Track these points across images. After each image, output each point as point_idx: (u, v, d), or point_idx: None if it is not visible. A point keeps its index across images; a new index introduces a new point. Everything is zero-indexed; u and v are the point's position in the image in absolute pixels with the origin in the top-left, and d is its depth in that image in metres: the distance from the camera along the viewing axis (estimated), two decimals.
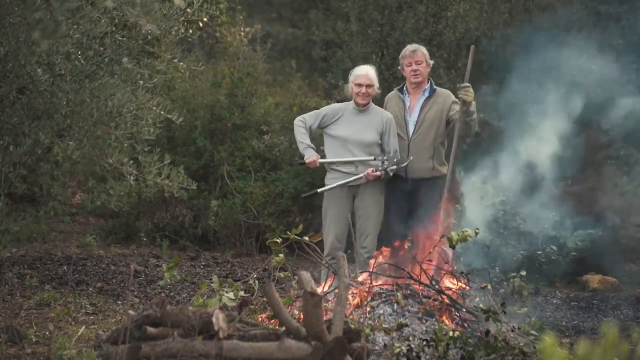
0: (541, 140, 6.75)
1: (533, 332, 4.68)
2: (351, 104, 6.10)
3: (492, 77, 8.63)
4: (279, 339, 3.59)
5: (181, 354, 3.54)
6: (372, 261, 5.18)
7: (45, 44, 4.08)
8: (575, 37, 7.69)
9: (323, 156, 6.18)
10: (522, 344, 4.38)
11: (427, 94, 6.15)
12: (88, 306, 5.87)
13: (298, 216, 8.35)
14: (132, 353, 3.61)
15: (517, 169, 6.62)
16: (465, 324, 4.66)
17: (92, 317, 5.61)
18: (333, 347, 3.57)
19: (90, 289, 6.39)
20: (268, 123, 8.58)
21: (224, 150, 8.49)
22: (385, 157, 5.92)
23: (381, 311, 4.68)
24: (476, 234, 5.06)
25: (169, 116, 4.77)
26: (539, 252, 7.41)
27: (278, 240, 4.99)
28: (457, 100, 6.06)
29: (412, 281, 4.90)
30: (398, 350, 4.25)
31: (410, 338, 4.44)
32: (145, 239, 8.33)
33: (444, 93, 6.19)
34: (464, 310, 4.78)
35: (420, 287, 4.88)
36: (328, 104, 8.77)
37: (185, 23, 4.90)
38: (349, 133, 6.01)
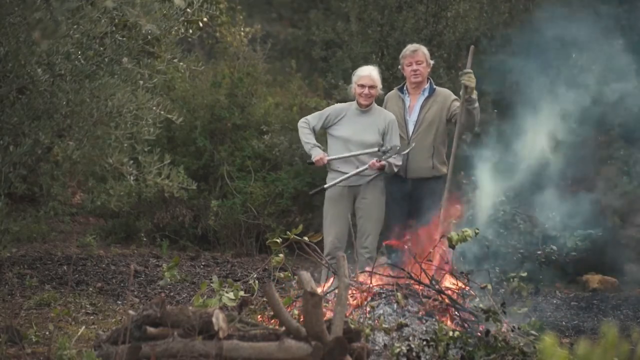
0: (541, 140, 6.75)
1: (533, 332, 4.68)
2: (354, 104, 6.11)
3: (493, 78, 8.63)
4: (279, 339, 3.59)
5: (181, 354, 3.54)
6: (379, 260, 5.18)
7: (45, 44, 4.08)
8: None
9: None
10: (522, 344, 4.38)
11: (426, 94, 6.15)
12: (88, 306, 5.87)
13: (298, 216, 8.35)
14: (132, 353, 3.61)
15: (517, 169, 6.62)
16: (465, 324, 4.66)
17: (92, 317, 5.61)
18: (333, 347, 3.57)
19: (90, 289, 6.39)
20: (268, 123, 8.57)
21: (224, 150, 8.49)
22: (386, 147, 5.91)
23: (381, 311, 4.68)
24: (476, 234, 5.06)
25: (169, 116, 4.77)
26: (539, 252, 7.41)
27: (278, 240, 4.99)
28: (457, 98, 6.07)
29: (412, 281, 4.90)
30: (398, 350, 4.25)
31: (410, 338, 4.44)
32: (145, 239, 8.33)
33: (443, 92, 6.19)
34: (464, 310, 4.78)
35: (421, 287, 4.88)
36: (328, 104, 8.78)
37: (185, 23, 4.90)
38: (351, 133, 6.01)
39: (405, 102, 6.18)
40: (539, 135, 6.56)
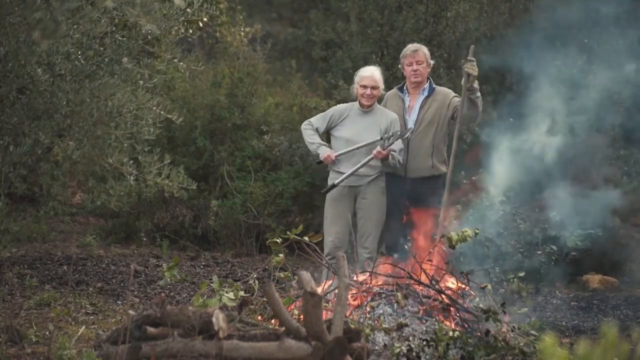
0: (541, 140, 6.75)
1: (533, 332, 4.68)
2: (356, 104, 6.11)
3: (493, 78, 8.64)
4: (279, 339, 3.59)
5: (181, 354, 3.54)
6: (378, 261, 5.18)
7: (45, 44, 4.08)
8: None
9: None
10: (522, 344, 4.38)
11: (426, 93, 6.15)
12: (88, 306, 5.87)
13: (298, 216, 8.35)
14: (132, 353, 3.61)
15: (517, 169, 6.62)
16: (465, 324, 4.66)
17: (92, 317, 5.61)
18: (333, 347, 3.57)
19: (90, 289, 6.39)
20: (268, 123, 8.58)
21: (224, 150, 8.49)
22: (388, 134, 5.90)
23: (381, 311, 4.68)
24: (476, 234, 5.06)
25: (169, 116, 4.77)
26: (539, 252, 7.41)
27: (278, 240, 4.99)
28: (457, 95, 6.07)
29: (412, 281, 4.90)
30: (398, 350, 4.25)
31: (410, 338, 4.44)
32: (145, 239, 8.33)
33: (443, 91, 6.19)
34: (465, 310, 4.78)
35: (420, 287, 4.88)
36: (328, 103, 8.78)
37: (185, 23, 4.90)
38: (353, 134, 6.01)
39: (404, 102, 6.18)
40: (540, 134, 6.58)
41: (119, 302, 6.10)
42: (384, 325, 4.49)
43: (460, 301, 4.83)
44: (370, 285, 4.88)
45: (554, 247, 7.42)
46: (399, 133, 5.91)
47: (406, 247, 5.42)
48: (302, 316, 3.76)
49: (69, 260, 7.20)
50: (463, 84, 5.86)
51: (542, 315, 6.33)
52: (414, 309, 4.72)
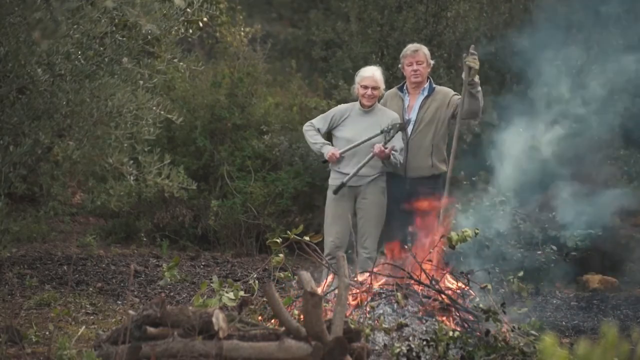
0: (540, 140, 6.75)
1: (533, 332, 4.68)
2: (357, 104, 6.11)
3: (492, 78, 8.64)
4: (279, 339, 3.59)
5: (181, 354, 3.54)
6: (378, 261, 5.18)
7: (45, 44, 4.08)
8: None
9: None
10: (522, 344, 4.38)
11: (426, 93, 6.15)
12: (88, 306, 5.87)
13: (298, 216, 8.35)
14: (132, 353, 3.61)
15: (517, 169, 6.62)
16: (465, 324, 4.65)
17: (92, 317, 5.61)
18: (333, 347, 3.57)
19: (90, 289, 6.39)
20: (268, 123, 8.58)
21: (224, 150, 8.49)
22: (388, 126, 5.90)
23: (381, 311, 4.68)
24: (476, 234, 5.06)
25: (169, 116, 4.77)
26: (539, 252, 7.41)
27: (278, 240, 4.99)
28: (457, 93, 6.07)
29: (412, 281, 4.90)
30: (398, 350, 4.25)
31: (410, 338, 4.44)
32: (145, 239, 8.33)
33: (443, 90, 6.19)
34: (465, 310, 4.78)
35: (421, 287, 4.88)
36: (328, 103, 8.79)
37: (185, 23, 4.90)
38: (354, 134, 6.01)
39: (404, 102, 6.18)
40: (540, 134, 6.58)
41: (119, 302, 6.11)
42: (384, 325, 4.49)
43: (460, 301, 4.83)
44: (370, 285, 4.88)
45: (554, 247, 7.43)
46: (397, 125, 5.90)
47: (406, 247, 5.41)
48: (302, 316, 3.76)
49: (69, 260, 7.20)
50: (464, 77, 5.86)
51: (542, 315, 6.33)
52: (414, 309, 4.72)
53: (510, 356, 4.31)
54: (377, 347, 4.37)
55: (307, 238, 4.98)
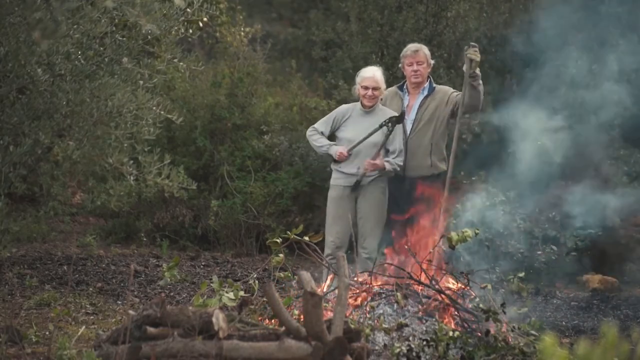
0: (540, 140, 6.75)
1: (533, 332, 4.68)
2: (358, 104, 6.12)
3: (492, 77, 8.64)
4: (279, 339, 3.59)
5: (181, 354, 3.54)
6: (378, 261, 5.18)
7: (45, 44, 4.08)
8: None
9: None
10: (522, 344, 4.38)
11: (426, 92, 6.15)
12: (88, 306, 5.87)
13: (298, 216, 8.35)
14: (132, 353, 3.61)
15: (517, 170, 6.62)
16: (465, 324, 4.66)
17: (92, 317, 5.61)
18: (333, 347, 3.57)
19: (90, 289, 6.39)
20: (268, 123, 8.58)
21: (224, 150, 8.49)
22: (385, 120, 5.90)
23: (381, 311, 4.68)
24: (476, 234, 5.06)
25: (169, 116, 4.77)
26: (539, 252, 7.41)
27: (278, 240, 4.99)
28: (456, 91, 6.08)
29: (412, 281, 4.90)
30: (398, 350, 4.25)
31: (410, 338, 4.44)
32: (145, 239, 8.33)
33: (443, 89, 6.20)
34: (465, 310, 4.78)
35: (421, 287, 4.88)
36: (328, 104, 8.79)
37: (185, 23, 4.90)
38: (355, 134, 6.01)
39: (403, 101, 6.18)
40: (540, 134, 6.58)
41: (119, 302, 6.10)
42: (384, 325, 4.49)
43: (460, 301, 4.83)
44: (370, 285, 4.88)
45: (554, 247, 7.43)
46: (394, 119, 5.89)
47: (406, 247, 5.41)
48: (302, 316, 3.76)
49: (69, 260, 7.20)
50: (465, 70, 5.87)
51: (542, 315, 6.33)
52: (414, 309, 4.72)
53: (510, 356, 4.31)
54: (377, 347, 4.37)
55: (307, 238, 4.98)
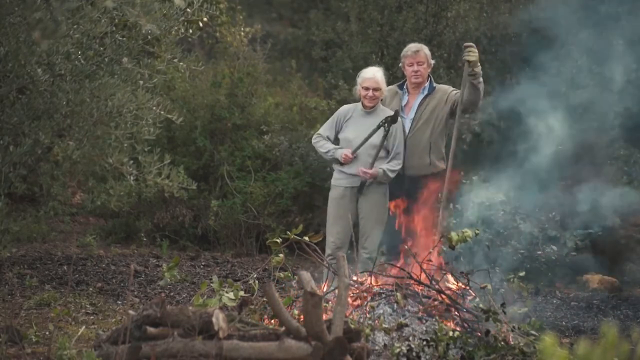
0: (541, 140, 6.75)
1: (533, 332, 4.67)
2: (359, 105, 6.12)
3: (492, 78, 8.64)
4: (279, 339, 3.59)
5: (181, 354, 3.54)
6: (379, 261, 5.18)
7: (45, 44, 4.08)
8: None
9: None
10: (522, 344, 4.38)
11: (426, 92, 6.15)
12: (88, 306, 5.87)
13: (298, 216, 8.35)
14: (132, 353, 3.61)
15: (518, 170, 6.62)
16: (465, 324, 4.65)
17: (92, 317, 5.61)
18: (333, 347, 3.57)
19: (90, 289, 6.39)
20: (268, 123, 8.58)
21: (224, 150, 8.49)
22: (382, 121, 5.90)
23: (381, 311, 4.68)
24: (476, 234, 5.06)
25: (169, 116, 4.77)
26: (539, 252, 7.41)
27: (278, 240, 4.99)
28: (456, 89, 6.09)
29: (412, 281, 4.90)
30: (398, 350, 4.25)
31: (410, 338, 4.44)
32: (145, 239, 8.33)
33: (442, 88, 6.20)
34: (465, 310, 4.78)
35: (421, 287, 4.88)
36: (328, 104, 8.79)
37: (185, 23, 4.90)
38: (356, 135, 6.01)
39: (402, 100, 6.18)
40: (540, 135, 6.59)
41: (119, 302, 6.11)
42: (384, 325, 4.49)
43: (460, 301, 4.83)
44: (370, 285, 4.88)
45: (554, 247, 7.43)
46: (389, 118, 5.89)
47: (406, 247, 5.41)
48: (302, 316, 3.76)
49: (69, 260, 7.20)
50: (465, 69, 5.89)
51: (542, 315, 6.33)
52: (414, 309, 4.72)
53: (510, 356, 4.31)
54: (377, 347, 4.37)
55: (307, 238, 4.98)
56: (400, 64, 6.27)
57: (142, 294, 6.45)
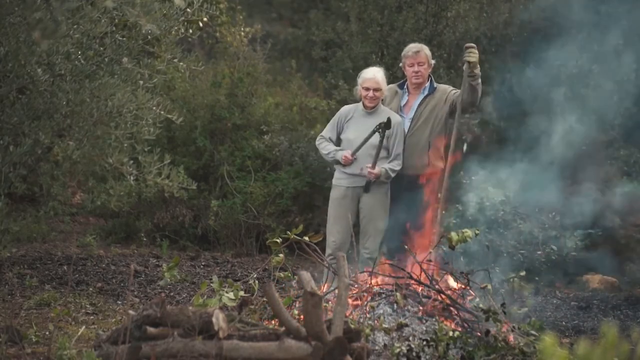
0: (541, 140, 6.75)
1: (533, 332, 4.67)
2: (360, 105, 6.12)
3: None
4: (279, 339, 3.59)
5: (181, 354, 3.54)
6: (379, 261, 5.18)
7: (45, 44, 4.08)
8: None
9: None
10: (522, 344, 4.38)
11: (426, 92, 6.15)
12: (88, 306, 5.87)
13: (298, 216, 8.35)
14: (132, 353, 3.61)
15: (518, 170, 6.63)
16: (465, 324, 4.65)
17: (92, 317, 5.61)
18: (333, 347, 3.57)
19: (90, 289, 6.39)
20: (268, 123, 8.58)
21: (224, 150, 8.49)
22: (378, 127, 5.90)
23: (381, 311, 4.68)
24: (476, 234, 5.06)
25: (169, 116, 4.77)
26: (539, 252, 7.41)
27: (278, 240, 4.99)
28: (455, 89, 6.10)
29: (412, 281, 4.90)
30: (398, 350, 4.25)
31: (410, 338, 4.44)
32: (145, 239, 8.33)
33: (442, 88, 6.20)
34: (465, 310, 4.78)
35: (421, 287, 4.88)
36: (328, 104, 8.78)
37: (185, 23, 4.90)
38: (357, 135, 6.01)
39: (402, 100, 6.18)
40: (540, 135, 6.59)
41: (119, 302, 6.11)
42: (384, 325, 4.49)
43: (460, 301, 4.83)
44: (370, 285, 4.88)
45: (554, 247, 7.43)
46: (383, 125, 5.89)
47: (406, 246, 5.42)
48: (302, 316, 3.76)
49: (69, 260, 7.20)
50: (465, 69, 5.90)
51: (542, 315, 6.33)
52: (414, 309, 4.71)
53: (510, 356, 4.31)
54: (377, 347, 4.37)
55: (307, 238, 4.98)
56: (401, 64, 6.27)
57: (142, 294, 6.45)
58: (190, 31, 4.95)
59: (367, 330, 4.36)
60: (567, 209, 7.38)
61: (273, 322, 4.61)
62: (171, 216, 8.38)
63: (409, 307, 4.71)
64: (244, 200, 8.17)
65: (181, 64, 5.08)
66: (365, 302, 4.72)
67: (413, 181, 6.06)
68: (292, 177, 8.27)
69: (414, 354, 4.26)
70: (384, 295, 4.80)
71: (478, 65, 5.88)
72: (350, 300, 4.74)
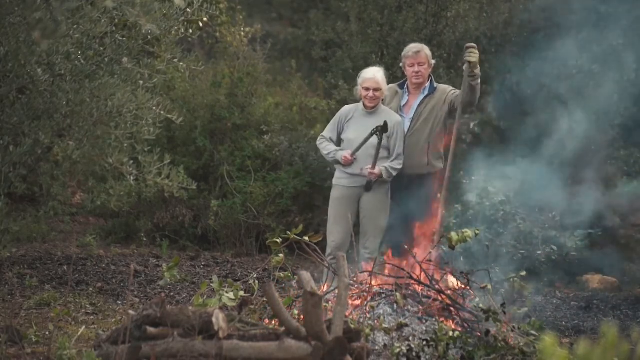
0: (542, 140, 6.76)
1: (533, 332, 4.67)
2: (361, 105, 6.12)
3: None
4: (279, 339, 3.59)
5: (181, 354, 3.54)
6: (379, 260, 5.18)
7: (45, 44, 4.08)
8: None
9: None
10: (522, 344, 4.38)
11: (426, 92, 6.15)
12: (88, 306, 5.87)
13: (298, 216, 8.35)
14: (132, 353, 3.61)
15: (518, 170, 6.63)
16: (465, 324, 4.65)
17: (92, 317, 5.61)
18: (333, 347, 3.57)
19: (90, 289, 6.39)
20: (268, 123, 8.58)
21: (224, 150, 8.49)
22: (375, 129, 5.90)
23: (381, 311, 4.68)
24: (476, 234, 5.06)
25: (169, 116, 4.77)
26: (539, 252, 7.41)
27: (278, 240, 4.99)
28: (455, 89, 6.10)
29: (412, 281, 4.90)
30: (398, 350, 4.25)
31: (410, 338, 4.44)
32: (145, 239, 8.33)
33: (442, 88, 6.20)
34: (465, 310, 4.78)
35: (421, 287, 4.88)
36: (328, 104, 8.78)
37: (185, 23, 4.90)
38: (357, 135, 6.01)
39: (401, 100, 6.18)
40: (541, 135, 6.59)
41: (119, 302, 6.11)
42: (384, 325, 4.49)
43: (460, 301, 4.83)
44: (370, 285, 4.88)
45: (554, 247, 7.43)
46: (380, 128, 5.89)
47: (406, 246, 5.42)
48: (302, 316, 3.76)
49: (69, 260, 7.20)
50: (465, 69, 5.90)
51: (542, 315, 6.33)
52: (414, 309, 4.71)
53: (510, 356, 4.31)
54: (377, 347, 4.37)
55: (307, 238, 4.98)
56: (401, 64, 6.27)
57: (142, 294, 6.45)
58: (190, 31, 4.95)
59: (367, 330, 4.36)
60: (568, 209, 7.38)
61: (273, 322, 4.61)
62: (171, 216, 8.38)
63: (409, 307, 4.71)
64: (244, 200, 8.17)
65: (181, 64, 5.08)
66: (365, 302, 4.72)
67: (413, 181, 6.06)
68: (292, 177, 8.27)
69: (414, 354, 4.26)
70: (384, 295, 4.80)
71: (478, 66, 5.88)
72: (350, 300, 4.74)
